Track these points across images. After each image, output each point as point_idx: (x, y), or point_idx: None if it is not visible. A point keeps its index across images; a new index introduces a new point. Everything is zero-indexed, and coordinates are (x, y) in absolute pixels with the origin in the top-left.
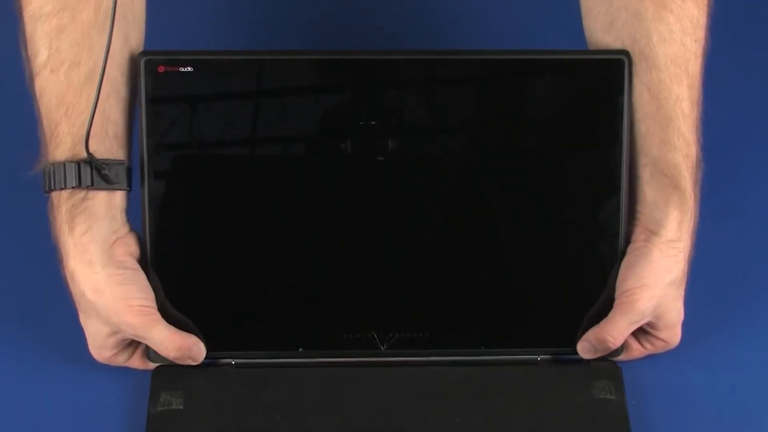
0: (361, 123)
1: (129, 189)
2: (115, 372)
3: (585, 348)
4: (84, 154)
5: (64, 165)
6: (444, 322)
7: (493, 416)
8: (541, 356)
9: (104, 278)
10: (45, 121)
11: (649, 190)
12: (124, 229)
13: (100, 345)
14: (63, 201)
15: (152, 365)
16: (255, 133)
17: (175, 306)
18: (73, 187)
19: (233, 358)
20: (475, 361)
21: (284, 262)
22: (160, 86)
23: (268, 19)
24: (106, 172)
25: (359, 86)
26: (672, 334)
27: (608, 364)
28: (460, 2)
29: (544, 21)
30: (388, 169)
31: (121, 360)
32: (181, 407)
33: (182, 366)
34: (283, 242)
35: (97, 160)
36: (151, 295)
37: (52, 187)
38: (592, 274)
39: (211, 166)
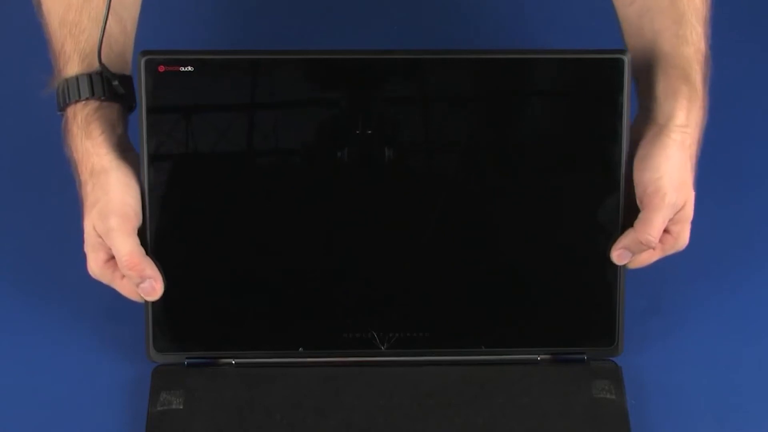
0: (360, 120)
1: (133, 107)
2: (114, 372)
3: (622, 255)
4: (95, 66)
5: (77, 78)
6: (444, 322)
7: (493, 416)
8: (541, 356)
9: (116, 163)
10: (53, 42)
11: (659, 85)
12: (131, 146)
13: (92, 243)
14: (78, 111)
15: (144, 298)
16: (255, 132)
17: (175, 305)
18: (87, 98)
19: (233, 358)
20: (475, 361)
21: (285, 262)
22: (161, 86)
23: (268, 19)
24: (116, 83)
25: (359, 85)
26: (683, 228)
27: (608, 364)
28: (459, 2)
29: (544, 21)
30: (386, 169)
31: (114, 277)
32: (181, 407)
33: (182, 366)
34: (283, 242)
35: (109, 71)
36: (140, 209)
37: (67, 101)
38: (591, 273)
39: (211, 166)
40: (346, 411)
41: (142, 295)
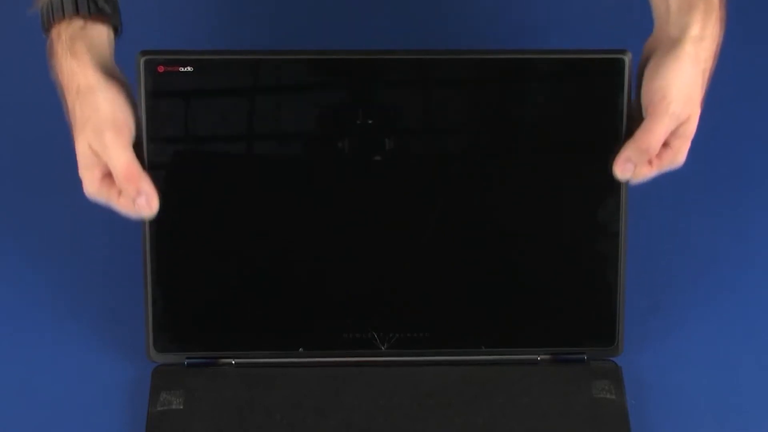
0: (359, 122)
1: (121, 31)
2: (114, 372)
3: (625, 168)
4: None
5: None
6: (444, 322)
7: (493, 416)
8: (541, 356)
9: (104, 81)
10: None
11: (674, 1)
12: (118, 72)
13: (87, 162)
14: (62, 30)
15: (140, 214)
16: (254, 132)
17: (175, 305)
18: (71, 17)
19: (233, 358)
20: (475, 361)
21: (285, 261)
22: (160, 86)
23: (267, 18)
24: (102, 4)
25: (358, 86)
26: (683, 144)
27: (608, 364)
28: (460, 2)
29: (544, 21)
30: (386, 169)
31: (111, 194)
32: (181, 407)
33: (182, 366)
34: (283, 242)
35: None
36: (133, 123)
37: (52, 21)
38: (592, 273)
39: (210, 166)
40: (346, 411)
41: (138, 212)
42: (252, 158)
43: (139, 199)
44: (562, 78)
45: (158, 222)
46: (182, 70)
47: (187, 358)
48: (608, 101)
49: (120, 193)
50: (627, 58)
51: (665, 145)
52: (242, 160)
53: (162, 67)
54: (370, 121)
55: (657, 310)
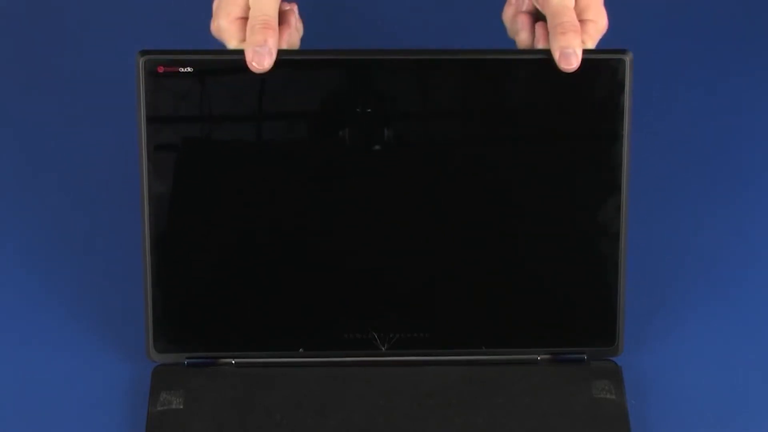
0: (361, 119)
1: None
2: (114, 372)
3: (563, 55)
4: None
5: None
6: (444, 322)
7: (493, 416)
8: (541, 356)
9: None
10: None
11: None
12: None
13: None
14: None
15: (252, 63)
16: (254, 133)
17: (175, 305)
18: None
19: (233, 358)
20: (475, 360)
21: (285, 261)
22: (160, 86)
23: None
24: None
25: (358, 84)
26: (596, 10)
27: (608, 364)
28: (460, 2)
29: None
30: (387, 172)
31: (234, 36)
32: (181, 407)
33: (182, 366)
34: (283, 242)
35: None
36: None
37: None
38: (592, 273)
39: (210, 166)
40: (346, 411)
41: (251, 58)
42: (251, 158)
43: (259, 49)
44: (562, 78)
45: (158, 222)
46: (182, 70)
47: (187, 358)
48: (608, 101)
49: (241, 41)
50: (627, 58)
51: (584, 21)
52: (242, 161)
53: (162, 67)
54: (371, 119)
55: (657, 310)
